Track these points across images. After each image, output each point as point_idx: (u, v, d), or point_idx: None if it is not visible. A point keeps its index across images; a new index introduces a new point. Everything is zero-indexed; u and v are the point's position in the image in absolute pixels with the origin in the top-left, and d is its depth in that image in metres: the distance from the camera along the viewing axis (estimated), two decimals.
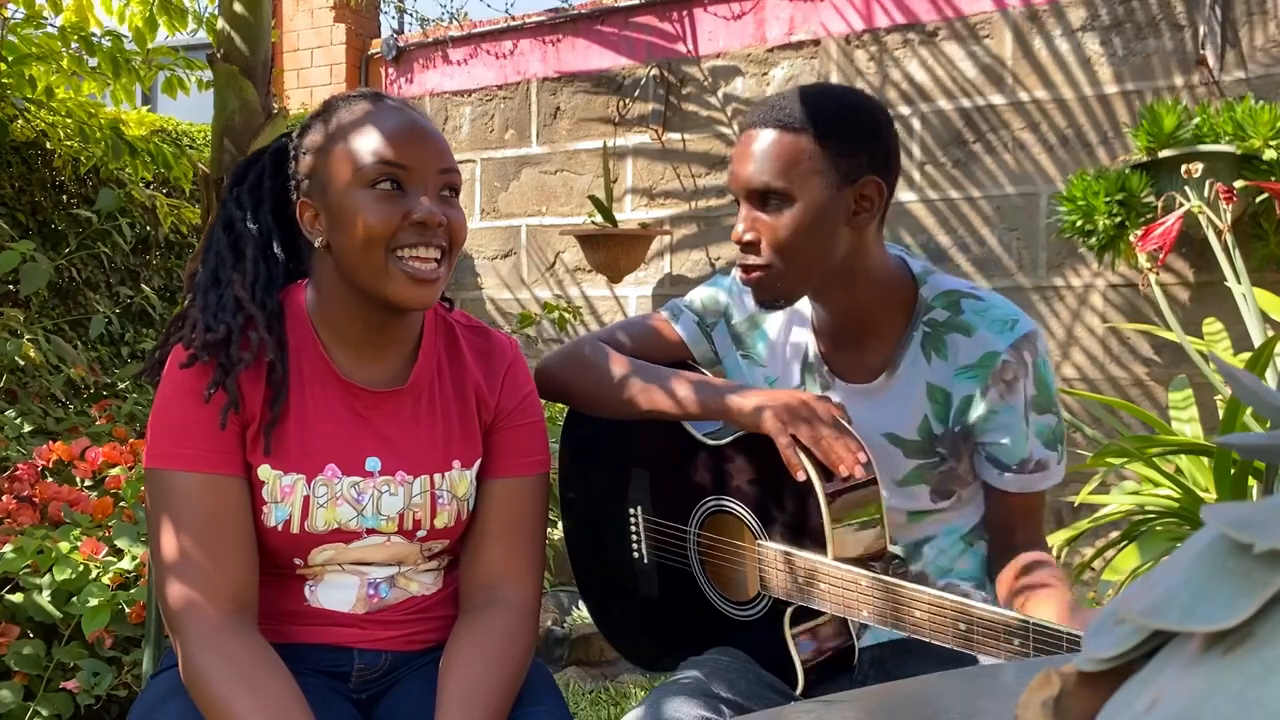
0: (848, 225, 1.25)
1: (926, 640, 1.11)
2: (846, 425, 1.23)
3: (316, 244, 1.17)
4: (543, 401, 1.35)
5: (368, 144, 1.13)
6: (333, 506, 1.17)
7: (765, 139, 1.24)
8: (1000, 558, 1.31)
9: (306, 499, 1.16)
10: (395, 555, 1.22)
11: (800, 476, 1.18)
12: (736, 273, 1.46)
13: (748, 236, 1.25)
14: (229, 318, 1.15)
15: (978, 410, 1.25)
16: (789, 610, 1.23)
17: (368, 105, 1.17)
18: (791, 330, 1.40)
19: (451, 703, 1.12)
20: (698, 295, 1.48)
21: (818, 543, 1.19)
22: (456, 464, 1.23)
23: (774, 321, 1.42)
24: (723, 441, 1.31)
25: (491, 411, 1.27)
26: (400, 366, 1.23)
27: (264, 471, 1.15)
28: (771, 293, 1.27)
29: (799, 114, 1.23)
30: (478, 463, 1.25)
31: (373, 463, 1.19)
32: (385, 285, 1.13)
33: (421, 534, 1.21)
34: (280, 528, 1.15)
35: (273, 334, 1.16)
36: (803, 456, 1.19)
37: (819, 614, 1.22)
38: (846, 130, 1.24)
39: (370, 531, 1.19)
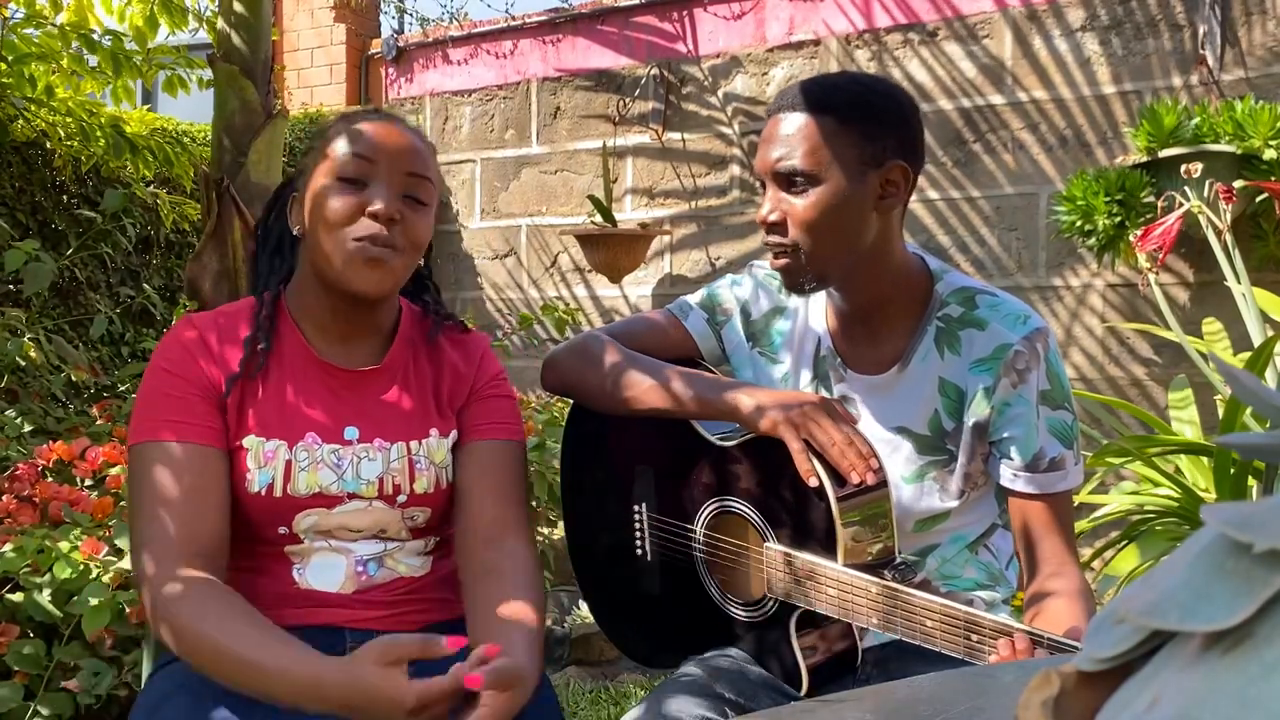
0: (875, 210, 1.25)
1: (936, 649, 1.10)
2: (857, 430, 1.22)
3: (295, 231, 1.28)
4: (546, 398, 1.37)
5: (343, 140, 1.25)
6: (314, 471, 1.22)
7: (791, 122, 1.25)
8: (1029, 582, 1.27)
9: (288, 463, 1.21)
10: (377, 521, 1.25)
11: (813, 482, 1.18)
12: (754, 269, 1.47)
13: (773, 217, 1.26)
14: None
15: (991, 402, 1.25)
16: (795, 613, 1.23)
17: (360, 114, 1.29)
18: (808, 323, 1.40)
19: (501, 625, 1.13)
20: (706, 294, 1.48)
21: (828, 548, 1.18)
22: (434, 432, 1.29)
23: (789, 317, 1.42)
24: (733, 442, 1.30)
25: (467, 385, 1.34)
26: (376, 350, 1.31)
27: (248, 440, 1.22)
28: (800, 275, 1.27)
29: (824, 98, 1.24)
30: (454, 434, 1.31)
31: (351, 432, 1.26)
32: (343, 269, 1.20)
33: (402, 499, 1.25)
34: (263, 492, 1.20)
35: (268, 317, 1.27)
36: (815, 461, 1.18)
37: (825, 617, 1.21)
38: (872, 114, 1.24)
39: (351, 496, 1.23)
